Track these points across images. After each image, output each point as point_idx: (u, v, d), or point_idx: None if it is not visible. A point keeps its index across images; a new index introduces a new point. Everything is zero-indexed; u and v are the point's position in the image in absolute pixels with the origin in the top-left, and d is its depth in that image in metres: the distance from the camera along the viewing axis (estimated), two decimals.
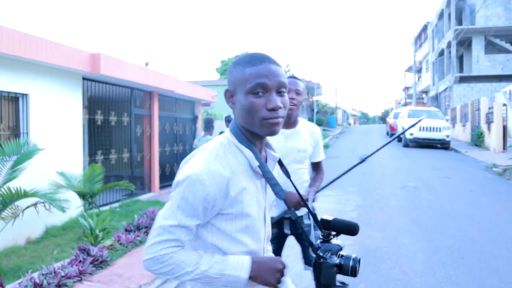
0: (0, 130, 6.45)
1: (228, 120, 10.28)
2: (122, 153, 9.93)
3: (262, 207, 1.41)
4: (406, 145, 18.50)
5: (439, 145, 18.33)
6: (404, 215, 6.72)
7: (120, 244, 5.39)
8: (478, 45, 28.08)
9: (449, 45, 29.11)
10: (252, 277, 1.31)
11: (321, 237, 1.47)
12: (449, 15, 29.46)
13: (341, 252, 1.42)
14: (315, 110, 32.75)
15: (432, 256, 4.90)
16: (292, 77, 2.74)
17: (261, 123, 1.30)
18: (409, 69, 43.81)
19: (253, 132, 1.35)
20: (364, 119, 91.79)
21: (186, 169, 1.31)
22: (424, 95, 42.29)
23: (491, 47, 28.47)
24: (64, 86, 7.51)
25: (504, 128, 16.32)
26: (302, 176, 2.84)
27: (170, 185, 9.02)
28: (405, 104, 43.81)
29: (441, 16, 32.47)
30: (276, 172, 1.51)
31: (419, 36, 41.55)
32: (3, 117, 6.54)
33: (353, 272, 1.38)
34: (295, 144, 2.77)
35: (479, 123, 18.82)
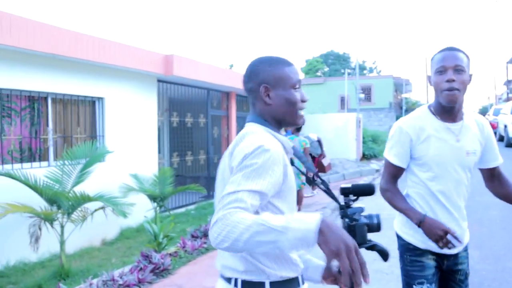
0: (77, 133, 6.59)
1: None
2: (198, 155, 9.88)
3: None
4: (509, 145, 16.48)
5: None
6: (509, 229, 5.68)
7: (185, 251, 5.16)
8: None
9: None
10: (322, 233, 1.10)
11: (343, 203, 1.59)
12: None
13: (363, 214, 1.56)
14: (404, 108, 30.89)
15: None
16: (449, 49, 2.02)
17: (297, 114, 1.53)
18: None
19: (279, 122, 1.52)
20: None
21: (251, 142, 1.34)
22: None
23: None
24: (138, 88, 7.55)
25: None
26: (464, 192, 2.12)
27: None
28: (507, 99, 39.73)
29: None
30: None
31: None
32: (80, 121, 6.68)
33: (378, 228, 1.55)
34: (464, 143, 2.05)
35: None
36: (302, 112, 1.54)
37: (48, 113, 6.13)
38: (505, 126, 16.92)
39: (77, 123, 6.60)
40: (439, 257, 2.08)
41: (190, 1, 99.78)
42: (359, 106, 29.30)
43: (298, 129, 8.19)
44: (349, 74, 30.55)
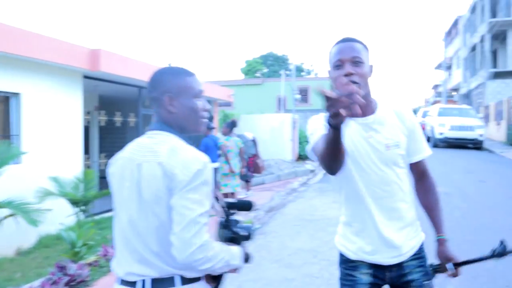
0: None
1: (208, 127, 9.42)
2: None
3: None
4: (435, 145, 17.40)
5: (471, 145, 17.18)
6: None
7: (107, 260, 4.79)
8: None
9: (482, 39, 27.64)
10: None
11: (224, 216, 1.70)
12: (483, 7, 27.98)
13: (239, 225, 1.69)
14: None
15: (471, 285, 4.10)
16: (345, 40, 1.86)
17: (200, 122, 1.63)
18: (439, 66, 42.17)
19: (183, 129, 1.60)
20: None
21: (194, 156, 1.47)
22: (454, 93, 40.63)
23: None
24: (61, 84, 7.00)
25: None
26: (396, 191, 1.86)
27: None
28: (434, 103, 42.21)
29: (473, 9, 30.95)
30: None
31: (449, 31, 39.93)
32: None
33: (249, 238, 1.67)
34: (382, 136, 1.85)
35: None
36: (204, 120, 1.65)
37: None
38: (432, 128, 17.84)
39: None
40: (378, 270, 1.85)
41: None
42: (296, 107, 29.75)
43: (231, 129, 8.09)
44: (287, 75, 30.92)
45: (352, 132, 1.83)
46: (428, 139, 18.98)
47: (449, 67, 40.13)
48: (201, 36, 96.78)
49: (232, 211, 1.73)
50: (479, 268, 4.39)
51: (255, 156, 9.21)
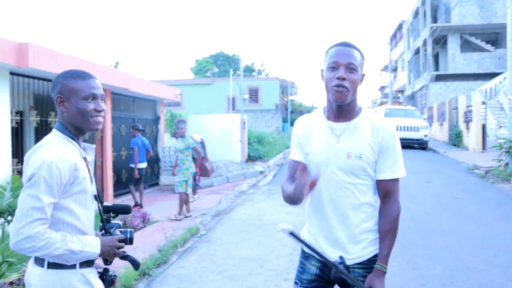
0: None
1: (135, 128, 9.30)
2: None
3: (91, 188, 1.82)
4: None
5: (416, 145, 17.64)
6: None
7: None
8: (453, 43, 27.74)
9: (424, 43, 28.69)
10: (101, 253, 1.75)
11: (104, 218, 1.88)
12: (424, 13, 29.05)
13: (120, 228, 1.89)
14: (289, 109, 31.92)
15: None
16: (344, 44, 1.92)
17: (90, 122, 1.79)
18: (385, 68, 43.52)
19: (78, 128, 1.81)
20: None
21: (37, 159, 1.65)
22: (400, 94, 42.06)
23: (466, 46, 28.18)
24: None
25: (483, 127, 15.71)
26: (350, 199, 1.89)
27: (127, 192, 7.80)
28: (381, 104, 43.50)
29: (416, 14, 32.09)
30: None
31: (394, 35, 41.24)
32: None
33: (131, 241, 1.86)
34: (346, 144, 1.89)
35: (457, 122, 18.24)
36: (98, 119, 1.81)
37: None
38: None
39: None
40: (324, 266, 1.93)
41: None
42: (247, 107, 29.53)
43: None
44: (237, 75, 30.60)
45: (323, 132, 1.94)
46: None
47: (394, 69, 41.47)
48: (152, 34, 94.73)
49: (110, 215, 1.91)
50: (428, 273, 4.29)
51: (203, 158, 8.83)
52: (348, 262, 1.88)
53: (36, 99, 8.90)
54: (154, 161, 12.71)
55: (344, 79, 1.81)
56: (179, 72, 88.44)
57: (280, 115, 29.30)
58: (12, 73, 6.87)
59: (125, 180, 10.75)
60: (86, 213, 1.78)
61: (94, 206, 1.84)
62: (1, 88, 6.68)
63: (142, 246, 5.44)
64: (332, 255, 1.87)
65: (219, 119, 14.24)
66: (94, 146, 1.94)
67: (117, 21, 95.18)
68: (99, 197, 1.87)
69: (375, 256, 1.90)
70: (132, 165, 8.80)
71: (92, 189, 1.81)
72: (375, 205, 1.94)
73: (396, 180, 1.90)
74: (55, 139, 1.74)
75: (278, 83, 30.01)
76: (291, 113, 33.06)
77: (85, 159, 1.80)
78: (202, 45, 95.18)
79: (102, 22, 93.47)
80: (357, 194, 1.89)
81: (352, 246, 1.90)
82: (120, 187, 10.45)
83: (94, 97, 1.78)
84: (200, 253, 5.15)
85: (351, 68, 1.83)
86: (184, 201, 7.22)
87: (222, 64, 48.76)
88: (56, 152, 1.66)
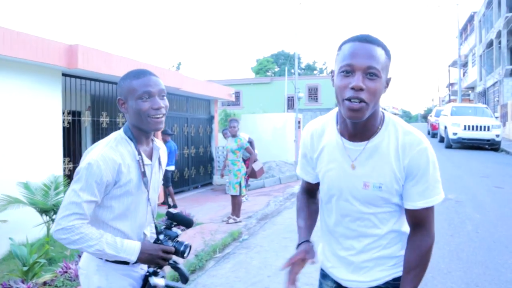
0: None
1: (165, 133, 9.16)
2: None
3: (145, 191, 1.82)
4: (448, 146, 16.56)
5: (487, 146, 16.29)
6: (440, 244, 5.15)
7: (67, 278, 4.24)
8: None
9: (498, 35, 26.57)
10: (139, 259, 1.74)
11: (164, 224, 1.85)
12: (499, 2, 26.90)
13: (177, 239, 1.85)
14: None
15: None
16: (362, 39, 1.43)
17: (149, 121, 1.74)
18: (454, 64, 41.02)
19: (140, 129, 1.79)
20: (406, 117, 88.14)
21: (86, 158, 1.71)
22: (470, 92, 39.47)
23: None
24: (36, 83, 6.47)
25: None
26: (369, 228, 1.58)
27: (178, 192, 7.67)
28: (449, 101, 41.08)
29: (489, 4, 29.84)
30: (163, 159, 2.01)
31: (464, 28, 38.77)
32: None
33: (182, 254, 1.83)
34: (363, 172, 1.53)
35: None
36: (158, 118, 1.76)
37: None
38: (445, 127, 16.99)
39: None
40: (339, 286, 1.71)
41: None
42: (305, 106, 29.07)
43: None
44: (294, 73, 30.12)
45: (335, 152, 1.58)
46: (442, 140, 18.14)
47: (464, 65, 38.98)
48: (214, 35, 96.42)
49: (172, 222, 1.86)
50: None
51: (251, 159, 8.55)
52: (361, 286, 1.62)
53: (92, 100, 9.14)
54: (208, 161, 12.70)
55: (361, 89, 1.37)
56: (240, 72, 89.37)
57: None
58: (64, 75, 7.03)
59: (177, 180, 10.81)
60: (132, 216, 1.79)
61: (150, 210, 1.87)
62: (54, 89, 6.85)
63: None
64: (347, 278, 1.64)
65: (273, 118, 13.95)
66: (158, 146, 1.91)
67: (180, 22, 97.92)
68: (150, 202, 1.87)
69: (396, 279, 1.58)
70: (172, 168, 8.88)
71: (147, 192, 1.81)
72: (402, 230, 1.60)
73: (429, 208, 1.52)
74: (112, 138, 1.78)
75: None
76: None
77: (140, 161, 1.77)
78: (263, 45, 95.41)
79: (165, 24, 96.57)
80: (378, 223, 1.57)
81: (367, 271, 1.61)
82: (172, 186, 10.50)
83: (150, 94, 1.73)
84: (236, 260, 4.89)
85: (371, 73, 1.38)
86: (240, 203, 7.00)
87: (283, 63, 48.57)
88: (102, 152, 1.69)
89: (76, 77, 7.35)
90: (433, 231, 1.54)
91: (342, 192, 1.57)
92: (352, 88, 1.36)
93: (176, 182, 10.71)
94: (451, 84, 45.66)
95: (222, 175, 7.86)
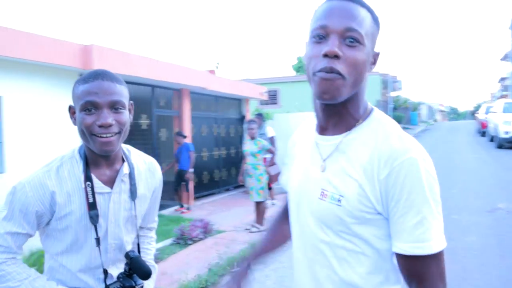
0: None
1: (178, 134, 8.80)
2: None
3: (91, 227, 1.42)
4: (499, 146, 15.35)
5: None
6: (489, 262, 4.45)
7: None
8: None
9: None
10: None
11: (124, 269, 1.49)
12: None
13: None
14: (390, 106, 29.66)
15: None
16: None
17: (92, 140, 1.33)
18: (505, 57, 38.69)
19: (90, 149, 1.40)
20: (454, 114, 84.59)
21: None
22: None
23: None
24: (52, 85, 6.27)
25: None
26: (324, 268, 1.13)
27: (208, 194, 6.82)
28: (501, 97, 38.80)
29: None
30: (143, 185, 1.58)
31: None
32: None
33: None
34: (327, 175, 1.11)
35: None
36: (103, 138, 1.33)
37: None
38: (496, 126, 15.78)
39: None
40: None
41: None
42: None
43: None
44: None
45: (306, 150, 1.22)
46: (492, 139, 16.88)
47: None
48: (254, 33, 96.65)
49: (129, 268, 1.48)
50: None
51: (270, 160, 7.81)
52: None
53: None
54: (240, 162, 12.30)
55: (336, 56, 1.01)
56: (280, 70, 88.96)
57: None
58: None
59: (207, 182, 10.47)
60: (79, 255, 1.44)
61: (106, 249, 1.49)
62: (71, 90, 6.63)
63: (195, 262, 4.88)
64: None
65: (306, 117, 13.35)
66: (125, 172, 1.48)
67: (219, 22, 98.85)
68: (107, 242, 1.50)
69: None
70: (191, 170, 8.49)
71: (93, 229, 1.42)
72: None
73: (426, 258, 0.99)
74: (59, 157, 1.46)
75: (379, 78, 28.02)
76: (394, 110, 30.79)
77: (88, 189, 1.39)
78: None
79: (205, 24, 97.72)
80: (334, 263, 1.09)
81: None
82: (201, 189, 10.18)
83: (96, 106, 1.32)
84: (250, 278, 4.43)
85: (351, 38, 1.02)
86: (264, 210, 6.52)
87: None
88: (34, 175, 1.38)
89: None
90: None
91: (300, 203, 1.18)
92: (326, 56, 1.01)
93: (205, 185, 10.39)
94: (503, 79, 43.19)
95: (240, 181, 7.18)
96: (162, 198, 6.72)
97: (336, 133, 1.13)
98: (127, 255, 1.49)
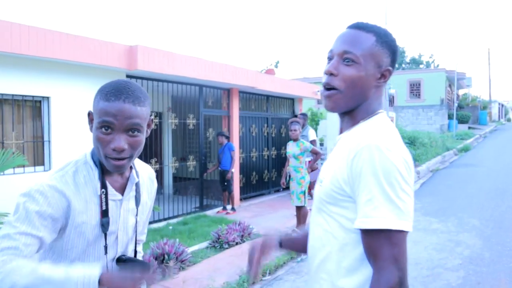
0: (12, 138, 5.57)
1: (220, 134, 8.62)
2: (187, 161, 8.66)
3: (101, 236, 1.40)
4: None
5: None
6: None
7: None
8: None
9: None
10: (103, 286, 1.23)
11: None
12: None
13: None
14: (456, 104, 27.96)
15: None
16: (353, 26, 1.35)
17: (104, 160, 1.33)
18: None
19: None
20: None
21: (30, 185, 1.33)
22: None
23: None
24: (98, 85, 6.39)
25: None
26: (319, 247, 1.32)
27: (257, 195, 6.84)
28: None
29: None
30: (146, 193, 1.58)
31: None
32: (26, 124, 5.71)
33: None
34: (325, 165, 1.36)
35: None
36: (116, 161, 1.31)
37: None
38: None
39: (11, 127, 5.60)
40: None
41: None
42: (406, 103, 26.94)
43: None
44: (400, 68, 28.09)
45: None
46: None
47: None
48: (313, 30, 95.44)
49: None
50: None
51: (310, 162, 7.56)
52: None
53: (174, 101, 9.11)
54: None
55: (332, 74, 1.28)
56: None
57: (446, 111, 25.83)
58: (129, 76, 6.91)
59: (256, 182, 10.36)
60: (83, 264, 1.35)
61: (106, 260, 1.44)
62: None
63: (226, 268, 4.76)
64: None
65: None
66: (136, 179, 1.48)
67: (279, 20, 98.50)
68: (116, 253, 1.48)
69: None
70: (232, 170, 8.40)
71: (103, 237, 1.40)
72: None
73: (377, 235, 1.11)
74: (73, 161, 1.41)
75: (444, 75, 26.52)
76: (460, 108, 29.02)
77: (102, 196, 1.37)
78: None
79: (264, 22, 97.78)
80: (317, 240, 1.30)
81: None
82: (250, 190, 10.09)
83: (112, 128, 1.29)
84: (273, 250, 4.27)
85: (347, 59, 1.27)
86: (306, 215, 6.26)
87: None
88: (49, 181, 1.32)
89: (148, 79, 7.21)
90: (388, 274, 1.07)
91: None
92: (325, 73, 1.31)
93: (254, 185, 10.29)
94: None
95: (283, 184, 6.84)
96: (208, 198, 6.74)
97: (349, 128, 1.33)
98: (119, 259, 1.46)
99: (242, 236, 5.80)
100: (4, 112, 5.50)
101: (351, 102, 1.28)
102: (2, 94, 5.39)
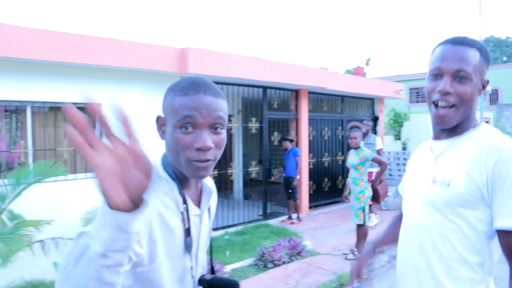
0: (63, 146, 5.62)
1: (284, 138, 7.97)
2: (249, 167, 8.26)
3: (186, 257, 1.21)
4: None
5: None
6: None
7: None
8: None
9: None
10: None
11: None
12: None
13: None
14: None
15: None
16: (454, 41, 1.45)
17: (184, 163, 1.13)
18: None
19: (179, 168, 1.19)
20: None
21: None
22: None
23: None
24: (149, 90, 6.27)
25: None
26: (432, 242, 1.41)
27: (328, 203, 6.35)
28: None
29: None
30: (214, 204, 1.41)
31: None
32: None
33: None
34: (437, 168, 1.44)
35: None
36: (200, 163, 1.11)
37: (27, 124, 5.28)
38: None
39: (63, 134, 5.64)
40: None
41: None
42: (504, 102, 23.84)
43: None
44: (504, 62, 25.15)
45: (423, 154, 1.58)
46: None
47: None
48: (406, 26, 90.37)
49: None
50: None
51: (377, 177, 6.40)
52: None
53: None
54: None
55: (448, 93, 1.37)
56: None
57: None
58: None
59: (327, 190, 9.67)
60: None
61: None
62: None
63: None
64: None
65: None
66: (212, 189, 1.29)
67: (368, 17, 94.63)
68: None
69: None
70: (298, 177, 7.77)
71: (189, 258, 1.20)
72: (481, 271, 1.33)
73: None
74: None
75: None
76: None
77: (185, 213, 1.18)
78: (465, 30, 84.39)
79: (353, 19, 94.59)
80: (437, 239, 1.37)
81: None
82: (321, 197, 9.44)
83: (195, 124, 1.11)
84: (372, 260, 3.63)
85: (461, 77, 1.36)
86: (366, 235, 5.46)
87: (493, 50, 41.96)
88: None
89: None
90: None
91: (412, 193, 1.52)
92: (440, 92, 1.38)
93: (326, 192, 9.63)
94: None
95: (345, 197, 5.95)
96: (272, 206, 6.24)
97: (448, 137, 1.45)
98: (202, 280, 1.25)
99: (291, 254, 5.23)
100: (58, 119, 5.56)
101: (463, 116, 1.39)
102: (55, 102, 5.44)
